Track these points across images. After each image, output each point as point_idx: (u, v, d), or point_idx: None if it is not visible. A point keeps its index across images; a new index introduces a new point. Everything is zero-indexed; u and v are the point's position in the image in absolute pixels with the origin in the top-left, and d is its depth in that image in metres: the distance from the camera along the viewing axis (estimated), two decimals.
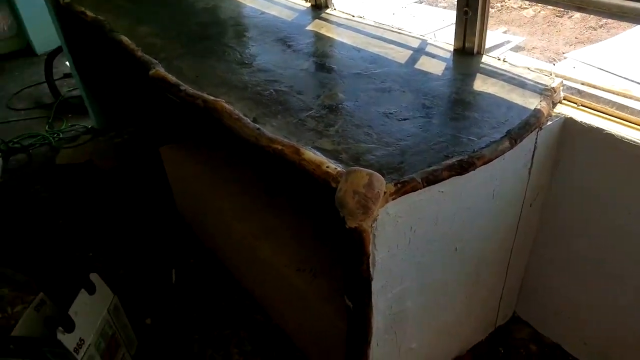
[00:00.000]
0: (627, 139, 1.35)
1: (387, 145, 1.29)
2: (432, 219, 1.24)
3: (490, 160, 1.25)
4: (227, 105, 1.46)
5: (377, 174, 1.05)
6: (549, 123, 1.45)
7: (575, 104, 1.54)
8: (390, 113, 1.45)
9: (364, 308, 1.19)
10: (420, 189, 1.12)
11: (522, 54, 2.92)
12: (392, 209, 1.11)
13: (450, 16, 3.06)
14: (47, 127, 3.42)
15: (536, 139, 1.45)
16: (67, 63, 3.78)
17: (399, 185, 1.09)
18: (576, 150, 1.51)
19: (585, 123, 1.43)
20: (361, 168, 1.06)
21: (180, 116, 2.75)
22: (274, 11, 2.34)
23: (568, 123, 1.49)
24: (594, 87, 1.53)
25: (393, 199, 1.09)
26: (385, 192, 1.06)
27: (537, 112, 1.42)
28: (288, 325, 1.88)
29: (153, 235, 2.41)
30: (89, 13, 2.29)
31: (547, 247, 1.74)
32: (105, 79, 3.15)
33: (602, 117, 1.46)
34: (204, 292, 2.09)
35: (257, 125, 1.36)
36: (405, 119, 1.41)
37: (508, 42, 2.84)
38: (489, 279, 1.71)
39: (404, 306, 1.33)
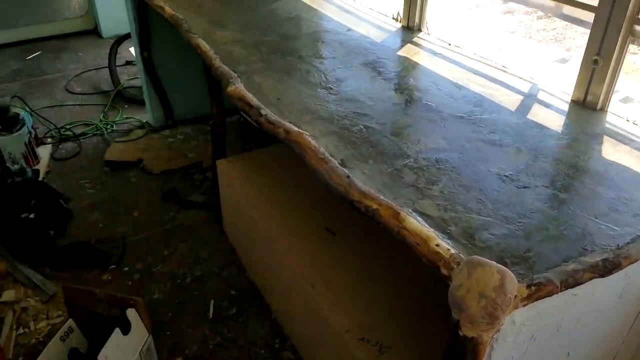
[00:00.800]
0: None
1: (507, 221, 1.05)
2: (555, 326, 1.00)
3: (637, 260, 1.00)
4: (312, 141, 1.26)
5: (511, 273, 0.82)
6: None
7: None
8: (505, 176, 1.21)
9: None
10: (557, 293, 0.88)
11: (632, 106, 2.59)
12: (519, 317, 0.88)
13: (548, 52, 2.78)
14: (102, 116, 3.31)
15: None
16: (132, 51, 3.69)
17: (532, 288, 0.85)
18: None
19: None
20: (489, 261, 0.83)
21: (247, 128, 2.59)
22: (361, 29, 2.13)
23: None
24: None
25: (524, 305, 0.85)
26: (516, 296, 0.83)
27: None
28: None
29: (194, 255, 2.22)
30: (167, 9, 2.14)
31: None
32: (170, 74, 3.03)
33: None
34: (241, 332, 1.87)
35: (347, 172, 1.15)
36: (525, 187, 1.17)
37: (616, 91, 2.51)
38: None
39: None
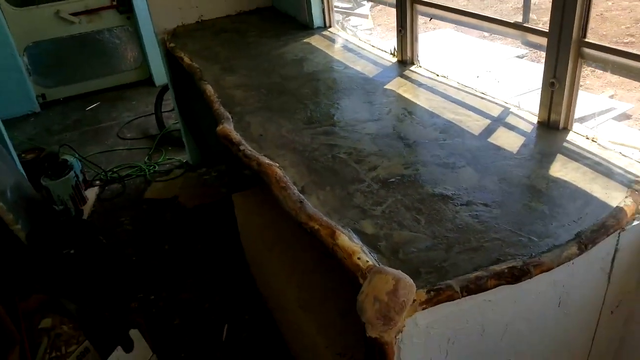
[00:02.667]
0: None
1: (434, 236, 1.18)
2: (476, 330, 1.10)
3: (551, 268, 1.09)
4: (278, 171, 1.44)
5: (406, 278, 0.95)
6: (635, 223, 1.23)
7: None
8: (447, 195, 1.33)
9: None
10: (459, 298, 0.99)
11: (627, 124, 2.55)
12: (422, 320, 0.99)
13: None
14: (146, 158, 3.69)
15: (617, 241, 1.24)
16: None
17: (431, 293, 0.98)
18: None
19: None
20: (388, 269, 0.97)
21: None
22: (358, 65, 2.31)
23: None
24: None
25: (423, 309, 0.97)
26: (414, 300, 0.95)
27: (617, 212, 1.22)
28: None
29: (216, 283, 2.44)
30: (185, 59, 2.44)
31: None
32: (199, 116, 3.34)
33: None
34: (252, 356, 2.03)
35: (301, 198, 1.32)
36: (462, 205, 1.28)
37: (612, 109, 2.50)
38: None
39: None
